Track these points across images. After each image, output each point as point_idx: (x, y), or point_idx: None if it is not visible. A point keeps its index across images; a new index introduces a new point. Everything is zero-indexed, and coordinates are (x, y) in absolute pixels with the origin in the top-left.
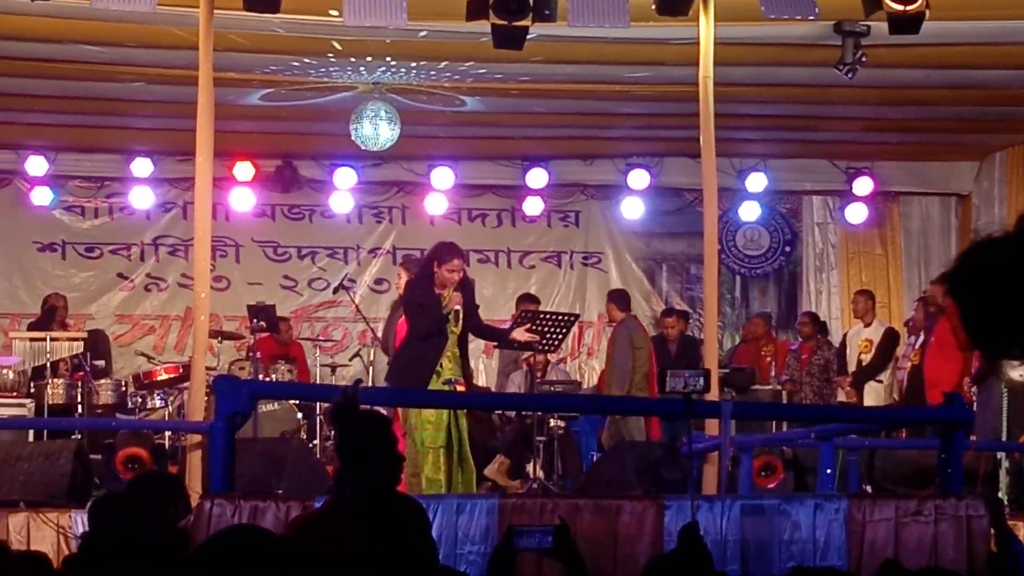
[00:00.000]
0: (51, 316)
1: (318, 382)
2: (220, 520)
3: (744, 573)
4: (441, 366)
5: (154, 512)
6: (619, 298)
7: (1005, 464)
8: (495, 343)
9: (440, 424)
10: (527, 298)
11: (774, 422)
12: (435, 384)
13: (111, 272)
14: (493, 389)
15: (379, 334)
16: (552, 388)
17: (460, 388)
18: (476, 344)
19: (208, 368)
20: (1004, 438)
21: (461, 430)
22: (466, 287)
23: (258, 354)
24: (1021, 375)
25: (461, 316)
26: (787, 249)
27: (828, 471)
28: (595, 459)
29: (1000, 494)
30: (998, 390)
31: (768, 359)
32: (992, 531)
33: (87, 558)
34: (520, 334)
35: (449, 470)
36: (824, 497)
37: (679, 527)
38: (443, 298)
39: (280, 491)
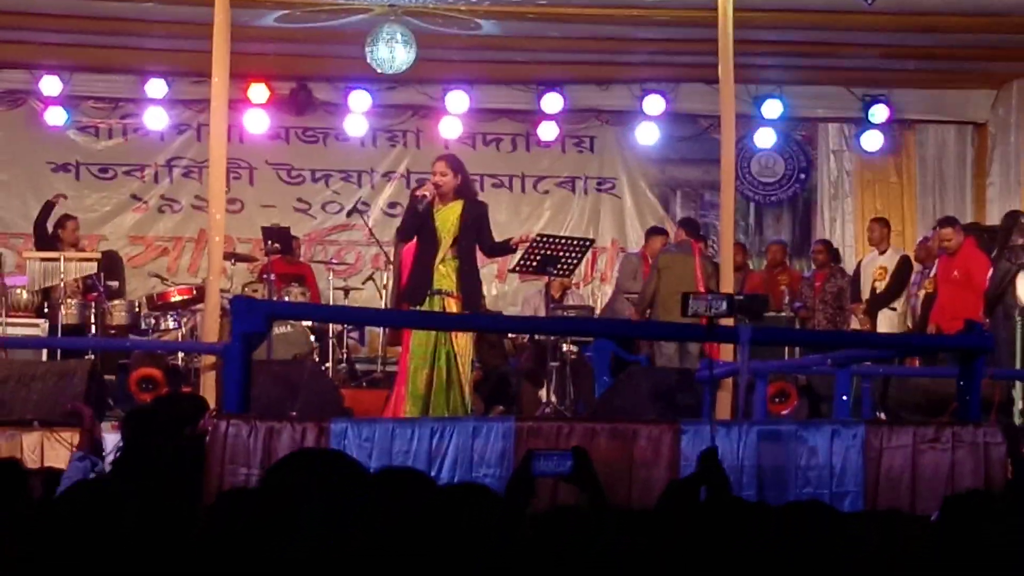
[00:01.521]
0: (48, 212)
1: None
2: (236, 440)
3: (760, 498)
4: (436, 273)
5: (180, 427)
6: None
7: (1018, 392)
8: (508, 265)
9: (427, 340)
10: None
11: (787, 349)
12: (431, 295)
13: (125, 193)
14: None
15: (391, 258)
16: (567, 313)
17: (452, 301)
18: (489, 269)
19: (222, 290)
20: (1017, 366)
21: (453, 348)
22: (473, 206)
23: (272, 276)
24: None
25: (456, 222)
26: (802, 176)
27: (844, 398)
28: (608, 384)
29: (1014, 421)
30: (1012, 319)
31: (782, 286)
32: (1009, 459)
33: (127, 461)
34: (519, 239)
35: (435, 390)
36: (841, 423)
37: (696, 452)
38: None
39: (294, 413)
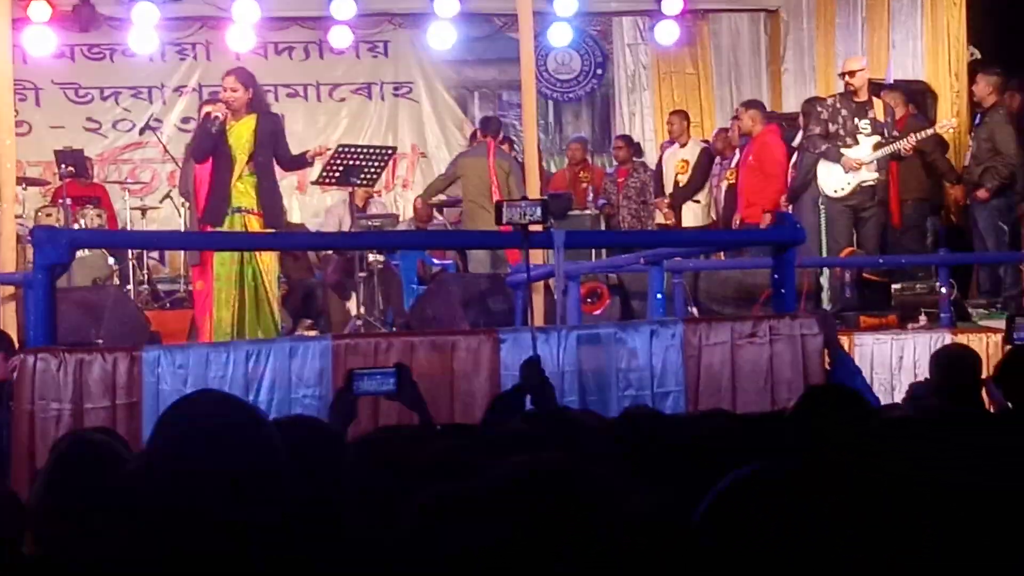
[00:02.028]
0: None
1: (128, 226)
2: (45, 375)
3: (583, 403)
4: (234, 191)
5: None
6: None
7: (826, 280)
8: (310, 178)
9: (229, 261)
10: None
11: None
12: (228, 213)
13: None
14: (310, 228)
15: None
16: (370, 223)
17: (252, 219)
18: (289, 181)
19: (15, 217)
20: (823, 254)
21: (259, 266)
22: (267, 120)
23: (68, 200)
24: (835, 191)
25: (250, 138)
26: (599, 72)
27: (659, 296)
28: (418, 292)
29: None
30: (814, 207)
31: (584, 184)
32: (826, 348)
33: None
34: (315, 152)
35: (244, 309)
36: (659, 323)
37: (516, 360)
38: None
39: (100, 340)
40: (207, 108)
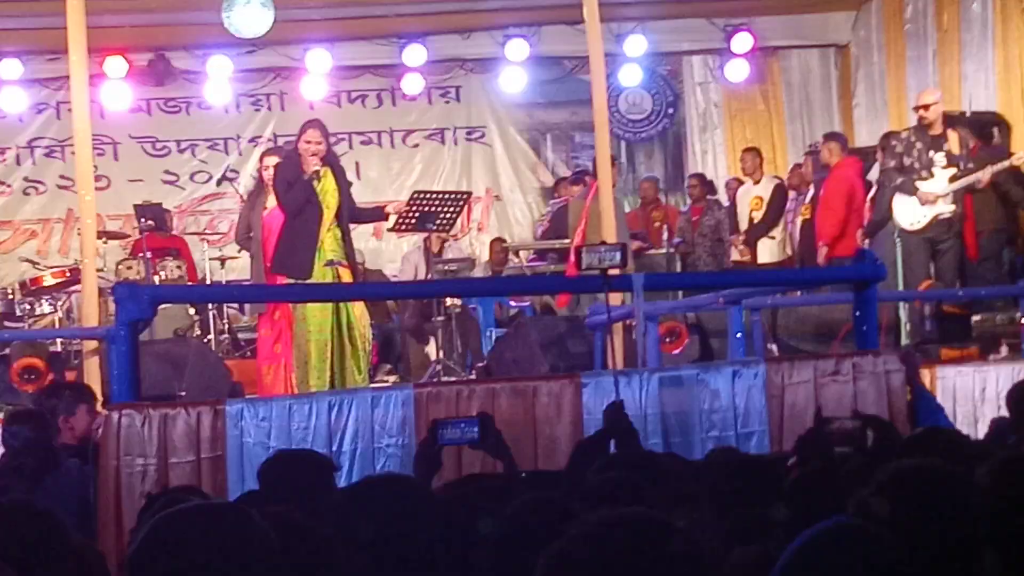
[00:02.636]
0: None
1: (208, 276)
2: (130, 431)
3: (667, 446)
4: (323, 243)
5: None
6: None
7: (904, 313)
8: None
9: (325, 310)
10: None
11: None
12: (318, 265)
13: None
14: (386, 272)
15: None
16: (447, 267)
17: (343, 270)
18: (366, 228)
19: (97, 270)
20: (900, 288)
21: (350, 314)
22: (342, 173)
23: (148, 253)
24: (911, 224)
25: (335, 190)
26: (670, 111)
27: (739, 335)
28: (496, 336)
29: (902, 343)
30: (890, 241)
31: (657, 224)
32: (908, 385)
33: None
34: (394, 209)
35: (340, 358)
36: (741, 363)
37: (598, 404)
38: (307, 173)
39: (183, 393)
40: (268, 159)
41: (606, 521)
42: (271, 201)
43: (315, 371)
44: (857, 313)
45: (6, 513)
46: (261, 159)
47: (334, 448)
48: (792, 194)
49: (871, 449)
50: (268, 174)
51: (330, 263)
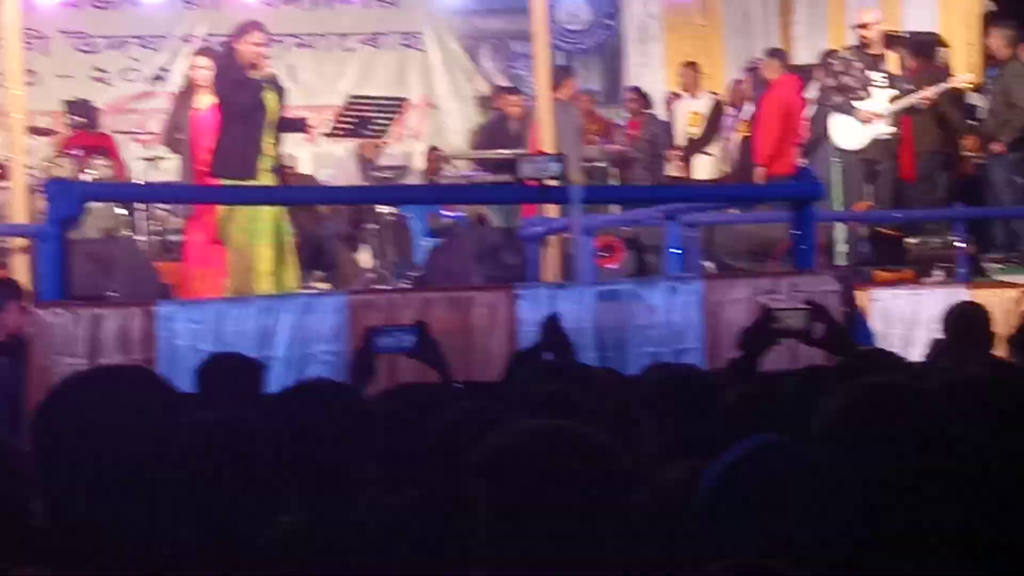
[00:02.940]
0: None
1: (138, 176)
2: (61, 330)
3: (602, 360)
4: (264, 147)
5: None
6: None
7: (840, 234)
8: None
9: (274, 216)
10: None
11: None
12: (263, 169)
13: None
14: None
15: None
16: (382, 174)
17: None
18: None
19: (25, 167)
20: (837, 208)
21: (284, 224)
22: (277, 80)
23: (78, 151)
24: (849, 144)
25: (275, 95)
26: (608, 23)
27: (676, 251)
28: (431, 245)
29: (836, 263)
30: (827, 161)
31: (592, 135)
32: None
33: None
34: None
35: (280, 265)
36: (679, 279)
37: (533, 316)
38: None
39: (113, 293)
40: (200, 59)
41: (529, 431)
42: (202, 102)
43: (262, 276)
44: (796, 232)
45: None
46: (193, 59)
47: (267, 353)
48: (730, 110)
49: (817, 341)
50: (200, 74)
51: (277, 168)
